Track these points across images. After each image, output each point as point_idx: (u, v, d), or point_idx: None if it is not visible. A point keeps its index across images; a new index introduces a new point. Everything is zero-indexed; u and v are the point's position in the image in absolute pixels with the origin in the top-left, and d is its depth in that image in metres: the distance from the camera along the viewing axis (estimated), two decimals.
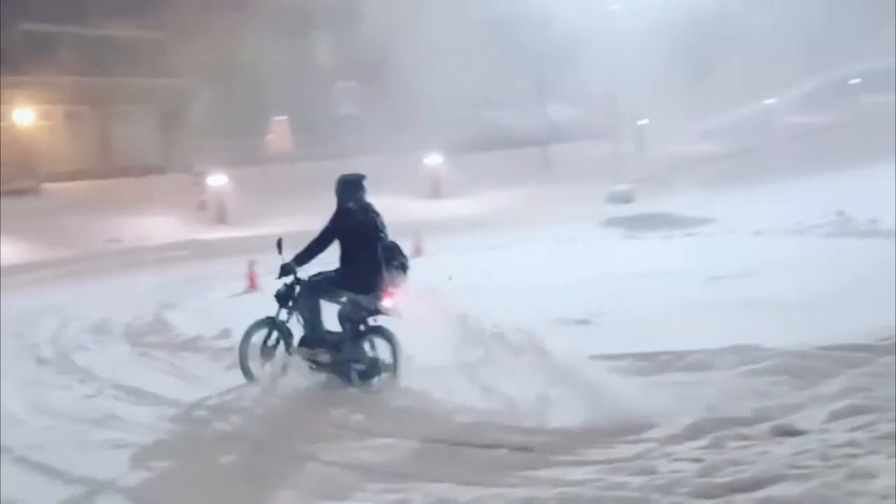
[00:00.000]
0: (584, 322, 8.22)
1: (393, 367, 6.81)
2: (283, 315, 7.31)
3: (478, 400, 6.08)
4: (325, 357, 7.01)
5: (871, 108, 33.61)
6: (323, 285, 7.28)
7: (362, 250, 7.15)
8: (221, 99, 27.26)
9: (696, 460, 4.94)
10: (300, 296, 7.33)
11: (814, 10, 33.54)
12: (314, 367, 7.03)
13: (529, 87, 31.46)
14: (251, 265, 12.16)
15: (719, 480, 4.61)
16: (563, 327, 8.12)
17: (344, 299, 7.09)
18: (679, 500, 4.45)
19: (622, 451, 5.22)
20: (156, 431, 6.36)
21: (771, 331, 7.08)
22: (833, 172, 20.56)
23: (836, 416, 5.34)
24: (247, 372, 7.27)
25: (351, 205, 7.46)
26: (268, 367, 7.11)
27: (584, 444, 5.38)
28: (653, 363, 6.71)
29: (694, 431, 5.34)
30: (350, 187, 7.54)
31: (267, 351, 7.25)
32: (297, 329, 7.28)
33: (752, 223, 14.53)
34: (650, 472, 4.85)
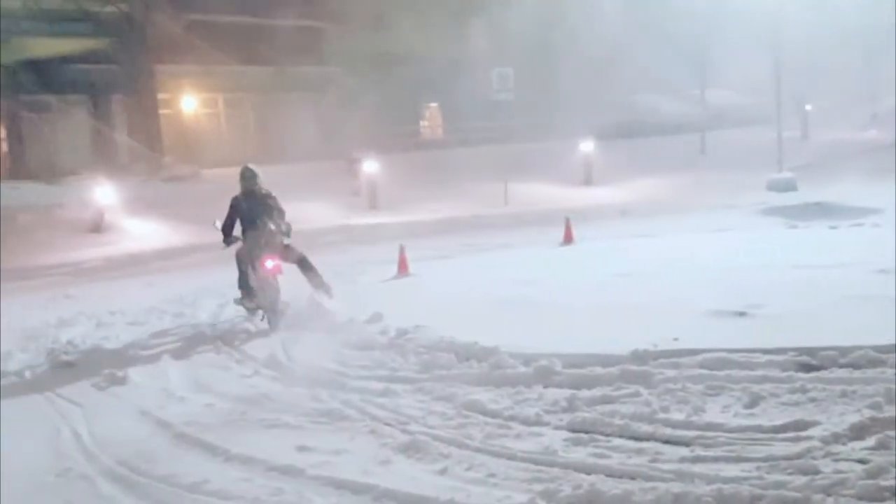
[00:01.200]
0: (742, 314, 7.93)
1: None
2: None
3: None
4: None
5: None
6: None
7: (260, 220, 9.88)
8: (377, 87, 27.84)
9: (862, 461, 4.73)
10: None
11: None
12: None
13: (688, 71, 30.65)
14: (402, 250, 12.35)
15: (886, 483, 4.40)
16: (719, 319, 7.87)
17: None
18: (843, 503, 4.26)
19: (782, 448, 5.05)
20: (308, 412, 6.53)
21: None
22: None
23: None
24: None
25: (255, 188, 10.17)
26: None
27: (742, 441, 5.22)
28: (815, 358, 6.43)
29: (859, 431, 5.11)
30: (252, 176, 10.29)
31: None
32: None
33: None
34: (812, 471, 4.68)
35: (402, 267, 12.14)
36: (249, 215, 10.03)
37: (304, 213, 20.64)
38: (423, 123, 35.29)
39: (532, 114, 28.65)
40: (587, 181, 25.55)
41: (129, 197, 20.94)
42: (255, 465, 5.49)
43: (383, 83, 28.00)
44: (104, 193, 20.55)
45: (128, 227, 20.29)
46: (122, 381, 7.85)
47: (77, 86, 26.24)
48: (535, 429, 5.76)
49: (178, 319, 10.58)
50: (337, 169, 24.36)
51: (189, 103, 29.58)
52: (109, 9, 26.19)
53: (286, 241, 10.04)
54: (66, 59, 25.98)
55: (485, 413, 6.11)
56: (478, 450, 5.45)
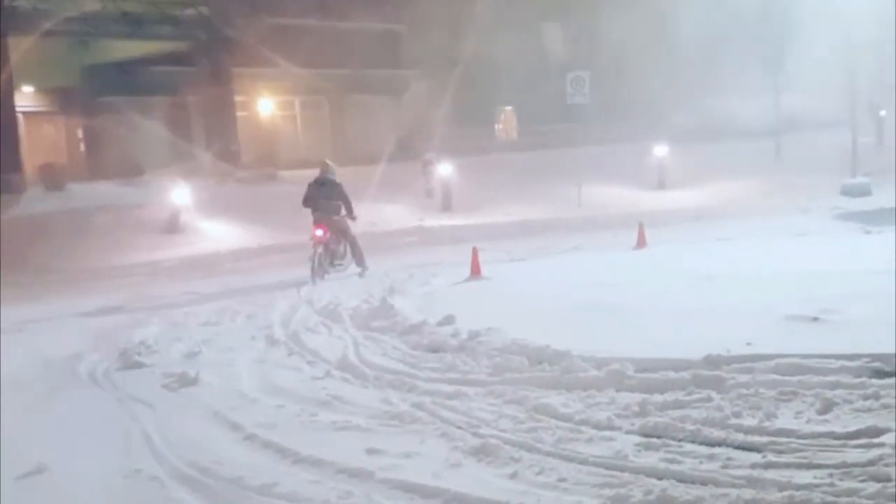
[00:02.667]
0: (816, 319, 7.87)
1: None
2: None
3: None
4: None
5: None
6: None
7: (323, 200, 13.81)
8: (452, 89, 28.04)
9: None
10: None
11: None
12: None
13: (763, 75, 30.20)
14: (475, 252, 12.49)
15: None
16: (793, 323, 7.81)
17: None
18: None
19: (854, 455, 5.02)
20: (378, 414, 6.62)
21: None
22: None
23: None
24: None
25: (327, 176, 13.97)
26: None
27: (814, 447, 5.23)
28: (888, 364, 6.37)
29: None
30: (325, 167, 14.19)
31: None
32: None
33: None
34: (885, 479, 4.65)
35: (475, 269, 12.27)
36: (318, 195, 13.88)
37: (379, 213, 21.01)
38: (498, 126, 35.39)
39: (607, 117, 28.55)
40: (661, 185, 25.39)
41: (205, 198, 21.40)
42: (324, 468, 5.56)
43: (459, 86, 28.19)
44: (180, 194, 21.00)
45: (203, 228, 20.74)
46: (193, 381, 7.97)
47: (156, 87, 26.94)
48: (607, 433, 5.79)
49: (251, 320, 10.84)
50: (412, 171, 24.62)
51: (266, 106, 30.16)
52: (189, 12, 26.88)
53: (349, 220, 13.97)
54: (145, 61, 26.73)
55: (556, 417, 6.16)
56: (548, 454, 5.50)
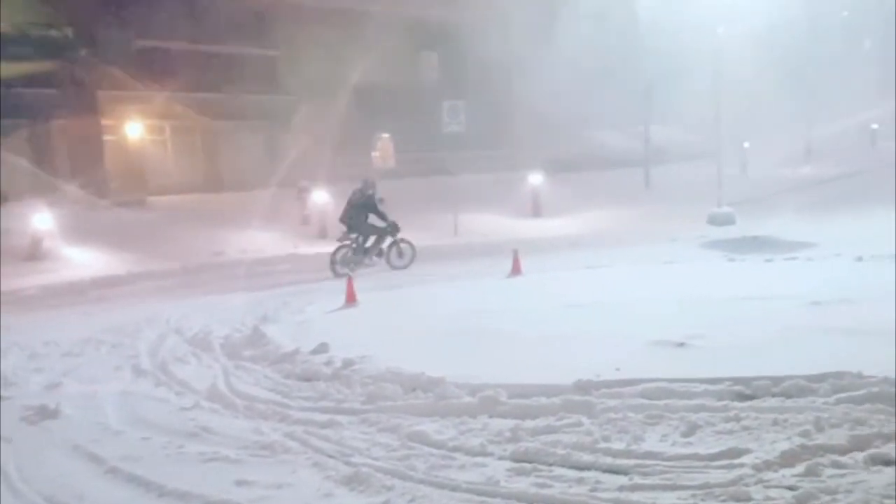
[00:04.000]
0: (682, 345, 8.15)
1: None
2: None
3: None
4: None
5: None
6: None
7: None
8: (329, 116, 27.93)
9: (791, 488, 4.91)
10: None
11: None
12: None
13: (633, 108, 31.30)
14: (350, 281, 12.42)
15: None
16: (660, 349, 8.07)
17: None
18: None
19: (716, 476, 5.20)
20: (248, 444, 6.51)
21: (871, 358, 6.91)
22: None
23: None
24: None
25: (369, 192, 16.56)
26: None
27: (678, 469, 5.37)
28: (749, 388, 6.63)
29: (789, 458, 5.30)
30: (363, 182, 16.86)
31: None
32: None
33: (855, 248, 14.12)
34: (745, 498, 4.85)
35: (350, 297, 12.21)
36: (352, 204, 16.58)
37: (252, 240, 20.67)
38: (375, 153, 35.41)
39: (483, 146, 28.94)
40: (536, 213, 25.84)
41: (69, 224, 20.57)
42: (191, 501, 5.44)
43: (335, 112, 28.10)
44: (42, 219, 20.13)
45: (67, 255, 19.90)
46: (53, 414, 7.64)
47: (17, 110, 25.79)
48: (479, 459, 5.84)
49: (116, 350, 10.44)
50: (287, 198, 24.31)
51: (135, 129, 29.26)
52: (53, 32, 25.93)
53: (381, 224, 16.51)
54: (4, 83, 25.57)
55: (429, 444, 6.18)
56: (421, 481, 5.51)
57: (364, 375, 7.91)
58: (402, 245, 16.73)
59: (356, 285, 12.43)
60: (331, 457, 6.10)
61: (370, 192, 16.59)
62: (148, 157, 29.04)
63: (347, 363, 8.29)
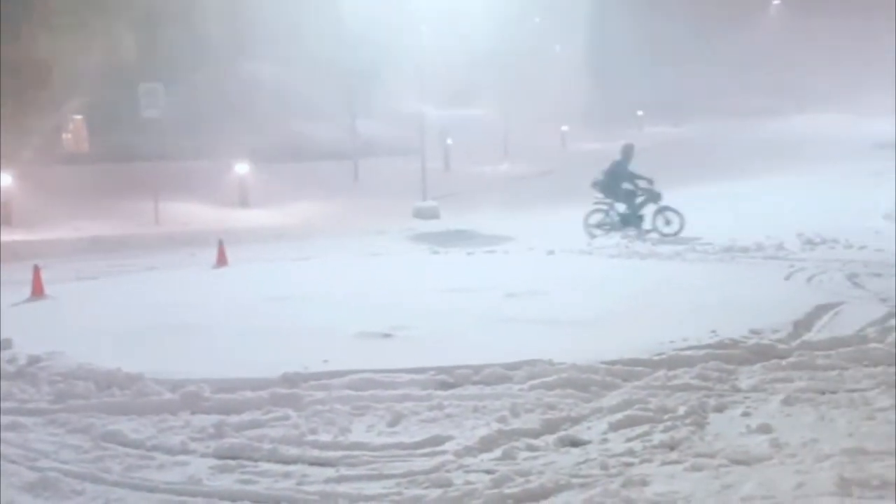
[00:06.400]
0: (388, 336, 8.31)
1: None
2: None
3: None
4: None
5: (660, 137, 36.30)
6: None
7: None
8: (14, 95, 25.61)
9: (489, 472, 5.12)
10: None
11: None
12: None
13: (342, 100, 31.54)
14: (36, 270, 11.47)
15: (509, 491, 4.81)
16: (367, 340, 8.20)
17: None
18: None
19: (420, 463, 5.33)
20: None
21: (561, 346, 7.44)
22: None
23: (615, 427, 5.76)
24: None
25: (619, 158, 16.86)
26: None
27: (384, 458, 5.45)
28: (451, 376, 6.87)
29: (487, 443, 5.53)
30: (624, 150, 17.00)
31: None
32: None
33: (548, 242, 15.17)
34: (446, 484, 4.98)
35: (38, 289, 11.29)
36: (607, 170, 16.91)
37: None
38: (67, 136, 33.01)
39: (188, 132, 27.82)
40: (243, 203, 25.31)
41: None
42: None
43: (22, 92, 25.82)
44: None
45: None
46: None
47: None
48: (181, 458, 5.59)
49: None
50: None
51: None
52: None
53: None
54: None
55: (125, 444, 5.83)
56: (116, 483, 5.19)
57: (52, 373, 7.30)
58: (668, 213, 16.23)
59: (45, 276, 11.51)
60: (13, 462, 5.58)
61: (620, 158, 16.68)
62: None
63: (33, 360, 7.62)
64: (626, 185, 16.56)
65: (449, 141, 32.44)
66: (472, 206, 22.78)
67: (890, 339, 7.57)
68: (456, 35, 30.59)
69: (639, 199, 16.52)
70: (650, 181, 16.60)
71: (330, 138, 33.12)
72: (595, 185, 16.80)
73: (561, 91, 38.42)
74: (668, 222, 16.24)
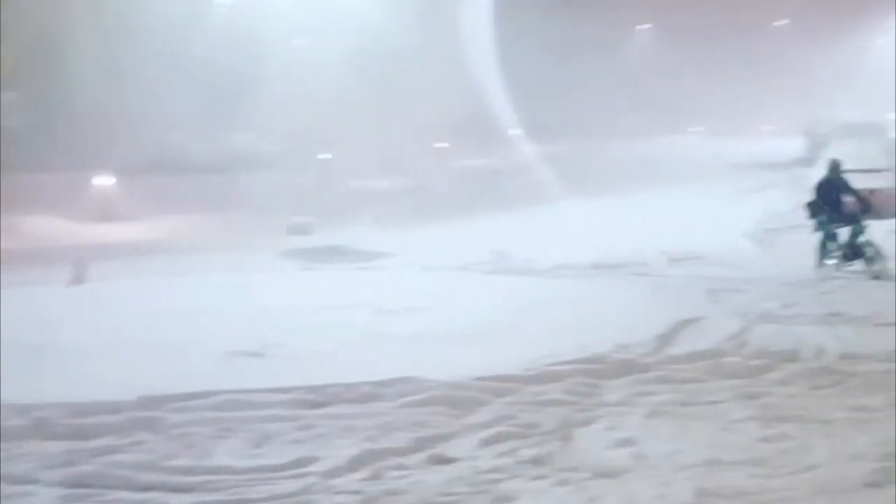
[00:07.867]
0: (258, 354, 8.11)
1: None
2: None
3: None
4: None
5: (532, 157, 36.95)
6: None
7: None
8: None
9: (356, 492, 5.05)
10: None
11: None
12: None
13: (220, 113, 30.83)
14: None
15: None
16: (235, 359, 7.98)
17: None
18: None
19: (285, 486, 5.20)
20: None
21: (433, 363, 7.42)
22: (495, 213, 22.00)
23: (485, 444, 5.79)
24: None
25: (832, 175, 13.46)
26: None
27: (247, 482, 5.28)
28: (321, 395, 6.74)
29: (355, 463, 5.47)
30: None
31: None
32: None
33: (423, 258, 15.14)
34: None
35: None
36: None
37: None
38: None
39: (47, 143, 26.60)
40: (106, 217, 24.32)
41: None
42: None
43: None
44: None
45: None
46: None
47: None
48: (28, 487, 5.30)
49: None
50: None
51: None
52: None
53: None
54: None
55: None
56: None
57: None
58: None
59: None
60: None
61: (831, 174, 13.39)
62: None
63: None
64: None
65: (327, 155, 32.16)
66: (349, 222, 22.58)
67: (745, 352, 7.88)
68: (336, 50, 30.33)
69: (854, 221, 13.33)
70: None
71: (207, 151, 32.30)
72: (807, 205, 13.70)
73: (444, 106, 38.58)
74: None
